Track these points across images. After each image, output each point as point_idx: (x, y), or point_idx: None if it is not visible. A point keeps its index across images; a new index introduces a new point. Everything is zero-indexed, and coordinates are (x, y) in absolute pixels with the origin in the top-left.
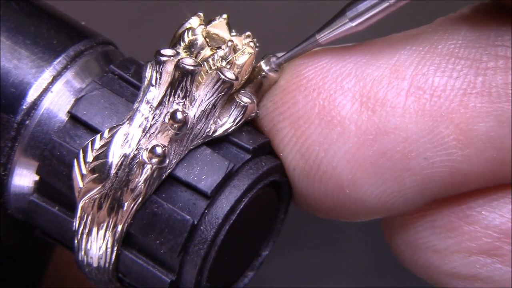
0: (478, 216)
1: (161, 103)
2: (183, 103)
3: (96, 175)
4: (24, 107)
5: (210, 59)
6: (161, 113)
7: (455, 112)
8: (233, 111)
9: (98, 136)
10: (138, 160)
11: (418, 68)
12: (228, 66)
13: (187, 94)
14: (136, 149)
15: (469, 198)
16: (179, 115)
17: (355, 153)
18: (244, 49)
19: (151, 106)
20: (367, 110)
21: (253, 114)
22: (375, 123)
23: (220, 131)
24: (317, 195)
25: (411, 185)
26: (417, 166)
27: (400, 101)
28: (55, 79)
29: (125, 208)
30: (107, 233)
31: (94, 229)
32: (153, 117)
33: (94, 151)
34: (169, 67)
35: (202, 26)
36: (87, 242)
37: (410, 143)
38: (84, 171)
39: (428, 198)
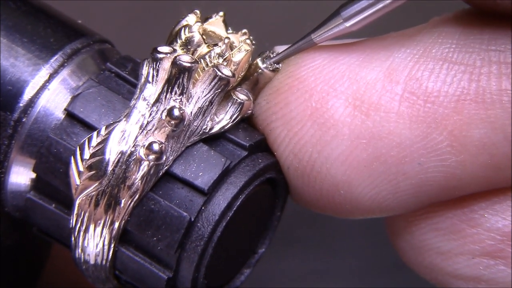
0: (481, 219)
1: (158, 100)
2: (180, 100)
3: (93, 172)
4: (21, 104)
5: (206, 56)
6: (158, 110)
7: (448, 118)
8: (229, 108)
9: (95, 133)
10: (135, 157)
11: (412, 73)
12: (225, 63)
13: (184, 91)
14: (133, 146)
15: (471, 201)
16: (176, 112)
17: (348, 156)
18: (241, 47)
19: (148, 103)
20: (360, 114)
21: (250, 111)
22: (368, 128)
23: (216, 128)
24: (312, 193)
25: (405, 188)
26: (411, 171)
27: (394, 106)
28: (51, 77)
29: (122, 205)
30: (104, 230)
31: (91, 226)
32: (150, 114)
33: (91, 148)
34: (166, 64)
35: (199, 24)
36: (84, 239)
37: (404, 148)
38: (81, 168)
39: (424, 201)
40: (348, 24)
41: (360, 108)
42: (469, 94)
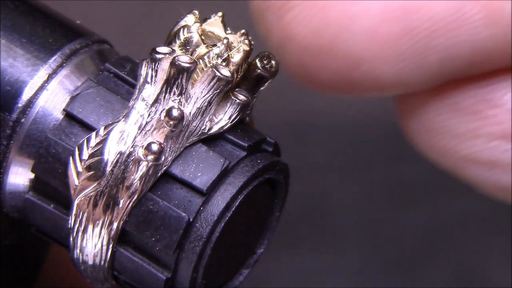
0: (502, 99)
1: (156, 101)
2: (178, 101)
3: (92, 172)
4: (19, 105)
5: (205, 57)
6: (156, 110)
7: None
8: (228, 108)
9: (94, 133)
10: (133, 157)
11: None
12: (224, 64)
13: (183, 92)
14: (132, 146)
15: (491, 79)
16: (175, 112)
17: (377, 30)
18: (240, 47)
19: (147, 104)
20: None
21: (249, 111)
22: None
23: (215, 129)
24: (327, 73)
25: (431, 63)
26: (440, 45)
27: None
28: (50, 77)
29: (120, 205)
30: (103, 231)
31: (90, 227)
32: (149, 115)
33: (90, 148)
34: (165, 65)
35: (198, 24)
36: (82, 239)
37: (435, 22)
38: (80, 169)
39: (447, 75)
40: None
41: None
42: None
